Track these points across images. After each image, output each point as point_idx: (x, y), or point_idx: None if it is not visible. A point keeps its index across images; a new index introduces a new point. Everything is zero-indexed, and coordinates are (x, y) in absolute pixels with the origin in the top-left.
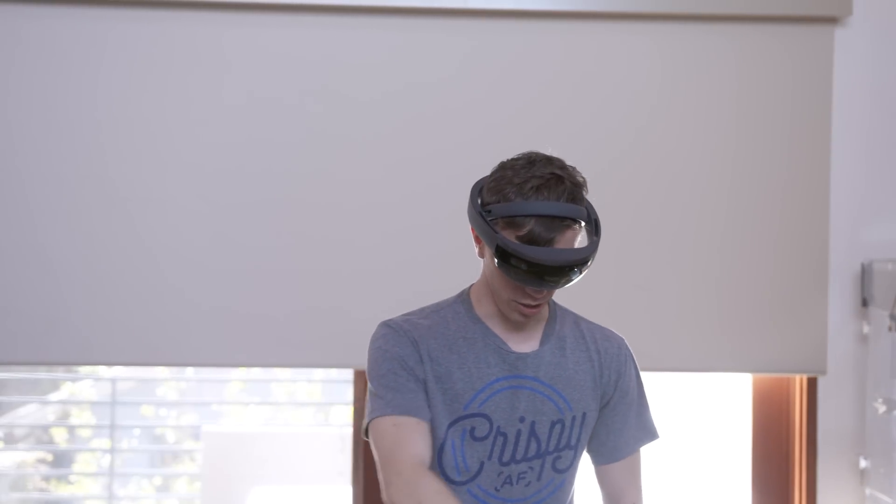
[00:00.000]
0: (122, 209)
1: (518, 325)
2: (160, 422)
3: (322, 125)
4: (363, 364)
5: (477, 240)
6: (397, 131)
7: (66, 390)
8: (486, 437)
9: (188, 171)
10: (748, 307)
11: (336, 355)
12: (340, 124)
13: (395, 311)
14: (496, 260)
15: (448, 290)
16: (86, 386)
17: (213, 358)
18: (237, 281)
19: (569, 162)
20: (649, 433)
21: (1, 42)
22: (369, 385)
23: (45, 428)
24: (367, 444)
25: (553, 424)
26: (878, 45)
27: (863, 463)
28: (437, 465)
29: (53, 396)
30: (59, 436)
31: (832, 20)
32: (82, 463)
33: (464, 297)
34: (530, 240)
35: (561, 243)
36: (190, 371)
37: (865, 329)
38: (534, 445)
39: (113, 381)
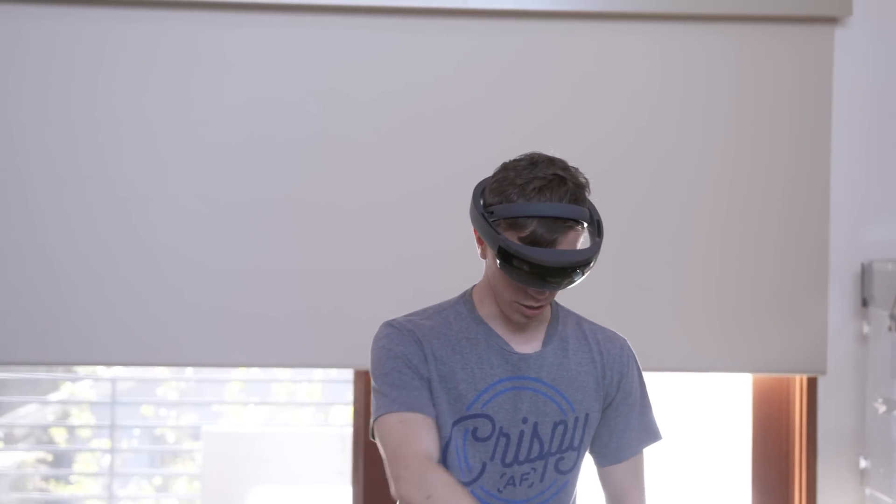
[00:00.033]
0: (123, 209)
1: (520, 326)
2: (160, 422)
3: (322, 125)
4: (363, 364)
5: (479, 241)
6: (397, 131)
7: (66, 390)
8: (488, 438)
9: (188, 171)
10: (748, 307)
11: (336, 355)
12: (340, 124)
13: (395, 311)
14: (498, 261)
15: (448, 289)
16: (86, 386)
17: (213, 358)
18: (237, 281)
19: (569, 162)
20: (652, 434)
21: (1, 42)
22: (373, 384)
23: (45, 428)
24: (367, 444)
25: (556, 425)
26: (878, 45)
27: (863, 463)
28: (442, 464)
29: (53, 396)
30: (59, 436)
31: (832, 20)
32: (82, 463)
33: (466, 298)
34: (532, 241)
35: (563, 244)
36: (190, 371)
37: (865, 329)
38: (536, 446)
39: (113, 381)
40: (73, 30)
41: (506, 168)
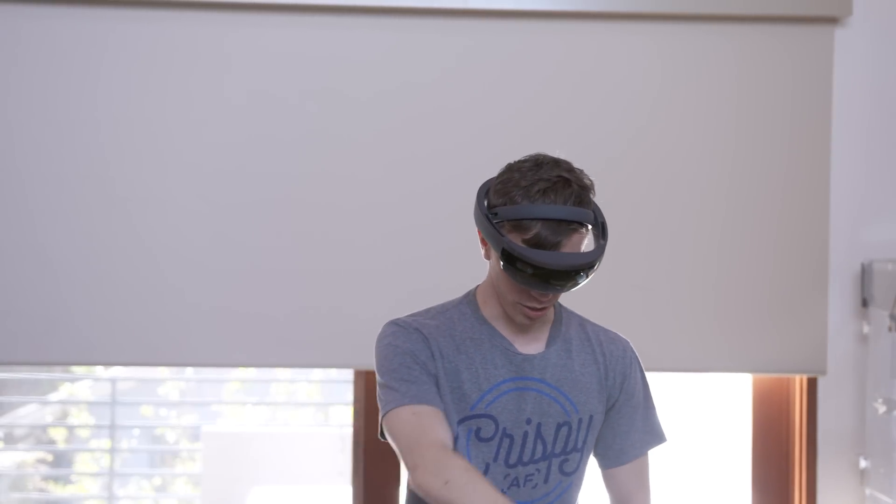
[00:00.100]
0: (123, 209)
1: (524, 327)
2: (160, 422)
3: (322, 125)
4: (363, 364)
5: (483, 242)
6: (397, 131)
7: (66, 390)
8: (491, 439)
9: (188, 171)
10: (748, 307)
11: (336, 355)
12: (340, 124)
13: (395, 310)
14: (502, 263)
15: (448, 289)
16: (85, 386)
17: (213, 358)
18: (237, 281)
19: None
20: (656, 436)
21: (1, 42)
22: (381, 380)
23: (45, 428)
24: (367, 444)
25: (559, 427)
26: (878, 45)
27: (863, 463)
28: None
29: (53, 396)
30: (59, 436)
31: (832, 20)
32: (82, 463)
33: (470, 299)
34: (536, 243)
35: (567, 247)
36: (190, 371)
37: (865, 329)
38: (540, 447)
39: (113, 381)
40: (72, 30)
41: (510, 169)
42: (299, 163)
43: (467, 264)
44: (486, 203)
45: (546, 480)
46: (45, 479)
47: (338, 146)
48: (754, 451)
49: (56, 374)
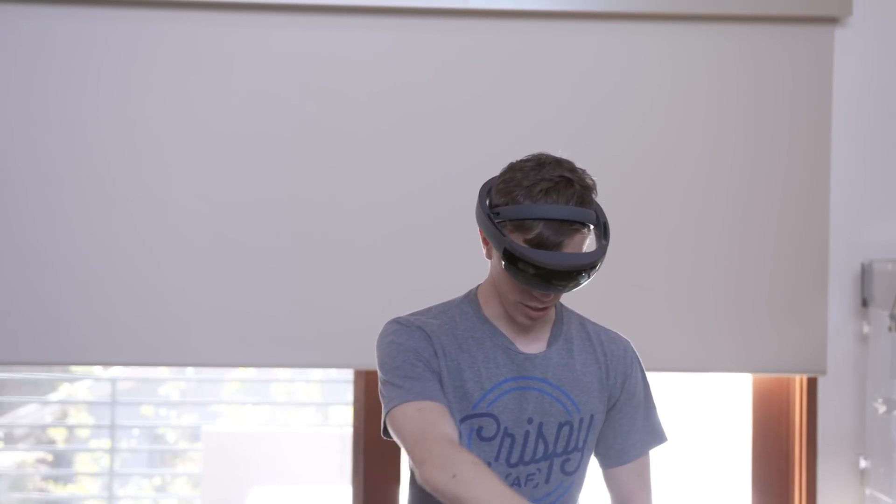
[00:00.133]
0: (123, 209)
1: (525, 327)
2: (160, 422)
3: (322, 125)
4: (363, 364)
5: (484, 241)
6: (398, 131)
7: (67, 390)
8: (493, 438)
9: (188, 171)
10: (748, 307)
11: (336, 355)
12: (341, 124)
13: (395, 310)
14: (504, 263)
15: (448, 288)
16: (85, 386)
17: (213, 358)
18: (237, 281)
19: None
20: (657, 436)
21: (1, 42)
22: (383, 378)
23: (45, 428)
24: (367, 444)
25: (561, 426)
26: (878, 45)
27: (863, 463)
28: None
29: (53, 396)
30: (59, 436)
31: (832, 20)
32: (82, 463)
33: (471, 298)
34: (538, 243)
35: (569, 247)
36: (190, 371)
37: (865, 329)
38: (541, 447)
39: (113, 381)
40: (73, 30)
41: (512, 168)
42: (299, 162)
43: (467, 264)
44: (487, 202)
45: (547, 480)
46: (45, 479)
47: (338, 146)
48: (754, 451)
49: (56, 374)
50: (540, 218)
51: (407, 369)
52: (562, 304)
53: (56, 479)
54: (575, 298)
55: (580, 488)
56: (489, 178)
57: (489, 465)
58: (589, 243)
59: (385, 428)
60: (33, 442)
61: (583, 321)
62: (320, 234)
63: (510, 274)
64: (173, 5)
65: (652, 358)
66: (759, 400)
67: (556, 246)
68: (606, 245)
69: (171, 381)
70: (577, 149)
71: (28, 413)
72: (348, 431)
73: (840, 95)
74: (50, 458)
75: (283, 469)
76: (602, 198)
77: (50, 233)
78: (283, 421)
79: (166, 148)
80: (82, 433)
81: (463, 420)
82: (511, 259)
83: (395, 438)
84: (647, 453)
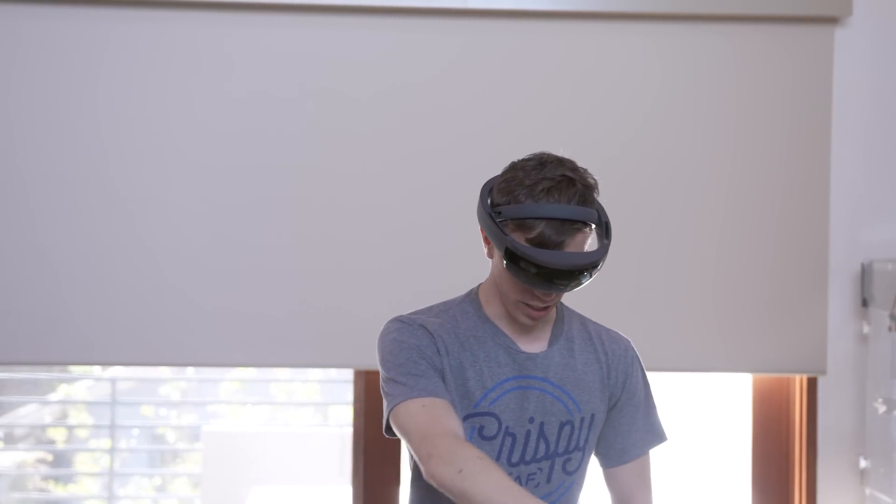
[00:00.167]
0: (123, 209)
1: (527, 326)
2: (160, 422)
3: (322, 124)
4: (363, 364)
5: (486, 240)
6: (398, 130)
7: (66, 390)
8: (494, 437)
9: (188, 171)
10: (748, 307)
11: (336, 355)
12: (341, 123)
13: (395, 310)
14: (505, 262)
15: (448, 288)
16: (85, 386)
17: (214, 358)
18: (237, 281)
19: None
20: (657, 435)
21: (1, 42)
22: (386, 375)
23: (45, 428)
24: (367, 444)
25: (562, 426)
26: (878, 45)
27: (863, 463)
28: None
29: (53, 397)
30: (59, 436)
31: (832, 20)
32: (82, 463)
33: (472, 297)
34: (540, 243)
35: (571, 246)
36: (190, 371)
37: (865, 329)
38: (543, 447)
39: (113, 381)
40: (73, 30)
41: (514, 168)
42: (299, 162)
43: (467, 263)
44: (489, 202)
45: (549, 480)
46: (45, 479)
47: (338, 146)
48: (754, 451)
49: (56, 373)
50: (542, 217)
51: (410, 367)
52: (563, 304)
53: (56, 479)
54: (575, 298)
55: (581, 488)
56: (489, 178)
57: None
58: (590, 243)
59: (388, 426)
60: (33, 442)
61: (584, 320)
62: (320, 234)
63: (512, 273)
64: (173, 5)
65: (652, 358)
66: (759, 400)
67: (558, 245)
68: (608, 244)
69: (171, 381)
70: (577, 149)
71: (28, 413)
72: (348, 431)
73: (840, 95)
74: (50, 458)
75: (283, 469)
76: (602, 198)
77: (50, 233)
78: (282, 421)
79: (166, 148)
80: (82, 433)
81: (465, 419)
82: (513, 258)
83: (399, 435)
84: (648, 453)
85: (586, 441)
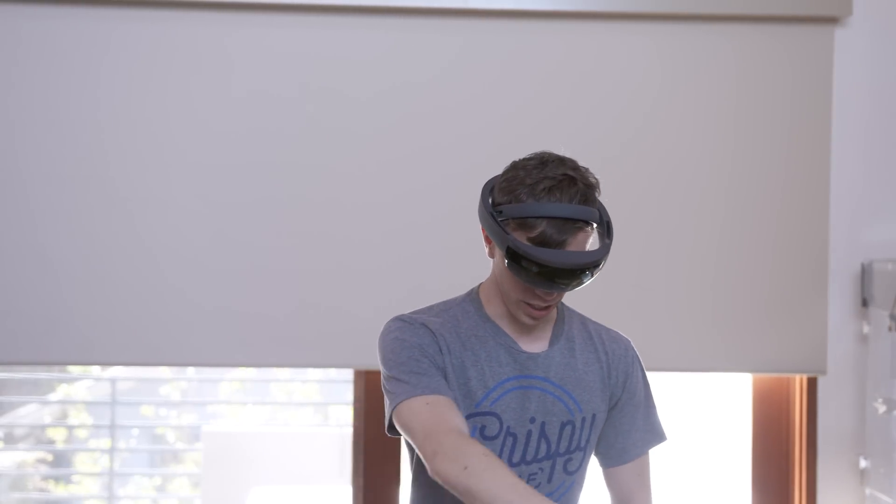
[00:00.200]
0: (123, 209)
1: (528, 326)
2: (160, 422)
3: (323, 125)
4: (363, 364)
5: (487, 240)
6: (398, 129)
7: (66, 390)
8: (496, 437)
9: (188, 171)
10: (748, 307)
11: (336, 355)
12: (341, 123)
13: (395, 309)
14: (506, 261)
15: (448, 288)
16: (85, 386)
17: (214, 358)
18: (237, 281)
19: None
20: (657, 435)
21: (1, 42)
22: (388, 374)
23: (45, 428)
24: (367, 444)
25: (563, 426)
26: (878, 45)
27: (863, 463)
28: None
29: (53, 397)
30: (59, 436)
31: (832, 20)
32: (82, 463)
33: (473, 297)
34: (542, 242)
35: (573, 245)
36: (190, 371)
37: (865, 329)
38: (544, 447)
39: (113, 381)
40: (73, 30)
41: (515, 167)
42: (299, 162)
43: (467, 263)
44: (490, 201)
45: (549, 480)
46: (45, 479)
47: (338, 146)
48: (754, 451)
49: (56, 373)
50: (543, 216)
51: (413, 365)
52: (563, 304)
53: (56, 479)
54: (575, 298)
55: (581, 488)
56: (489, 178)
57: None
58: (592, 242)
59: (391, 425)
60: (33, 442)
61: (584, 320)
62: (320, 234)
63: (513, 272)
64: (173, 5)
65: (652, 358)
66: (759, 400)
67: (560, 244)
68: (610, 244)
69: (171, 381)
70: (577, 149)
71: (28, 413)
72: (348, 431)
73: (840, 95)
74: (50, 458)
75: (283, 469)
76: (602, 198)
77: (50, 233)
78: (282, 421)
79: (166, 148)
80: (82, 433)
81: (467, 418)
82: (514, 257)
83: (402, 433)
84: (647, 452)
85: (587, 441)
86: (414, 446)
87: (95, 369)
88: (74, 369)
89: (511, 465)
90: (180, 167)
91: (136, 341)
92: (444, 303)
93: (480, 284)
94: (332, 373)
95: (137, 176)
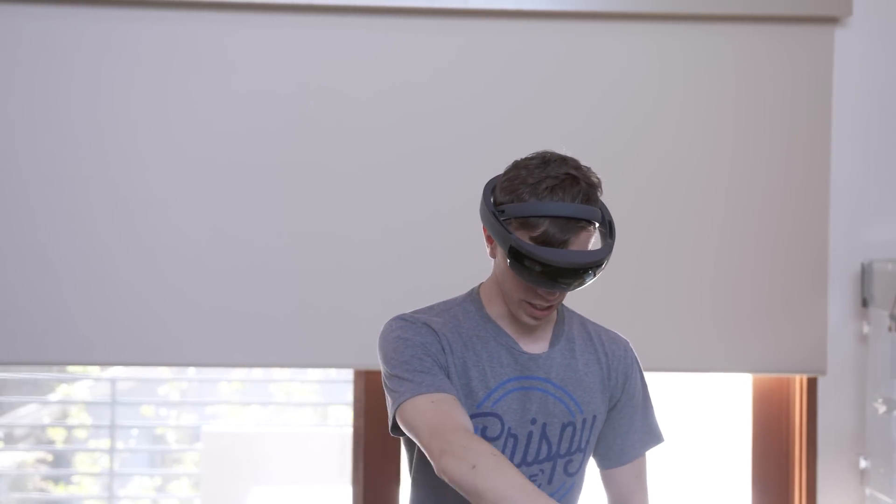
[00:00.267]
0: (123, 209)
1: (528, 327)
2: (160, 422)
3: (322, 124)
4: (364, 364)
5: (488, 239)
6: (398, 129)
7: (66, 391)
8: (497, 438)
9: (188, 171)
10: (748, 307)
11: (336, 355)
12: (341, 123)
13: (394, 309)
14: (509, 261)
15: (448, 287)
16: (85, 386)
17: (214, 358)
18: (237, 281)
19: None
20: (655, 437)
21: (1, 42)
22: (390, 373)
23: (45, 428)
24: (367, 444)
25: (564, 427)
26: (878, 45)
27: (863, 463)
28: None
29: (53, 397)
30: (59, 436)
31: (832, 20)
32: (82, 463)
33: (474, 297)
34: (544, 241)
35: (575, 245)
36: (190, 371)
37: (865, 329)
38: (545, 448)
39: (113, 381)
40: (73, 30)
41: (517, 166)
42: (299, 162)
43: (467, 263)
44: (492, 200)
45: (550, 481)
46: (45, 479)
47: (338, 146)
48: (754, 451)
49: (56, 374)
50: (546, 215)
51: (416, 363)
52: (563, 304)
53: (56, 480)
54: (575, 298)
55: (580, 489)
56: (489, 177)
57: None
58: (595, 241)
59: (394, 425)
60: (33, 442)
61: (583, 321)
62: (320, 233)
63: (515, 272)
64: (173, 5)
65: (651, 358)
66: (759, 400)
67: (562, 244)
68: (612, 243)
69: (171, 381)
70: (577, 149)
71: (28, 413)
72: (348, 431)
73: (840, 95)
74: (50, 458)
75: (283, 469)
76: (602, 197)
77: (50, 233)
78: (282, 421)
79: (166, 148)
80: (82, 433)
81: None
82: (517, 257)
83: (406, 432)
84: (644, 454)
85: (587, 442)
86: (419, 445)
87: (95, 369)
88: (74, 369)
89: None
90: (180, 167)
91: (135, 341)
92: (445, 303)
93: (481, 285)
94: (332, 373)
95: (137, 176)
